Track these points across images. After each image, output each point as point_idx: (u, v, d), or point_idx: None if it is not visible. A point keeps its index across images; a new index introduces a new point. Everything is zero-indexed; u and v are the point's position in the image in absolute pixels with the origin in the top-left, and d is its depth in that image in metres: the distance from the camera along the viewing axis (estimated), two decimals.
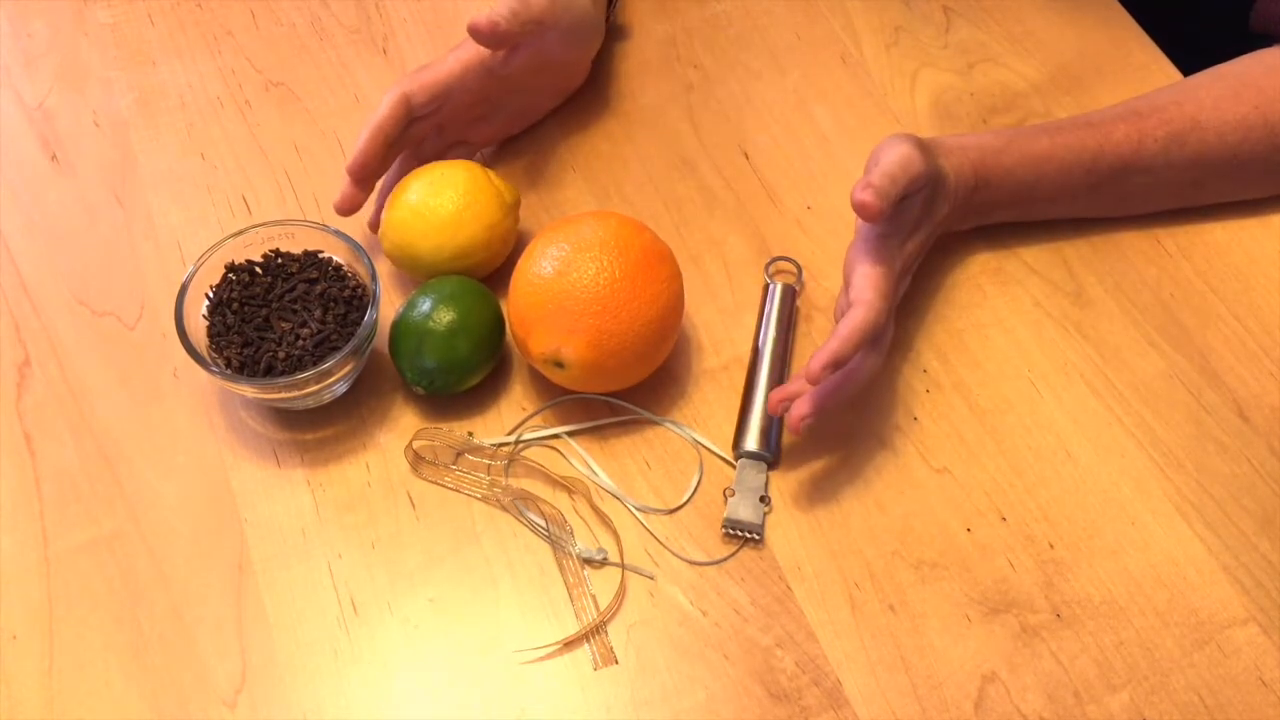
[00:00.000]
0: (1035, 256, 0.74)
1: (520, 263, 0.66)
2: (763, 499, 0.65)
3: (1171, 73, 0.81)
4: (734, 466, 0.66)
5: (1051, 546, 0.64)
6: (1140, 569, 0.63)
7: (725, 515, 0.64)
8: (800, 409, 0.61)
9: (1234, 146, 0.69)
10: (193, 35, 0.85)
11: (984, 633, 0.62)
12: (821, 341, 0.71)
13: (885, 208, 0.60)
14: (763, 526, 0.64)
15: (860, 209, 0.59)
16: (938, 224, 0.68)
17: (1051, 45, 0.84)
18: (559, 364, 0.64)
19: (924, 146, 0.64)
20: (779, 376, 0.68)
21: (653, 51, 0.84)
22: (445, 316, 0.65)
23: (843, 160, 0.78)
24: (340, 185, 0.70)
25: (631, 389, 0.68)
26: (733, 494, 0.65)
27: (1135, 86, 0.74)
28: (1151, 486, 0.66)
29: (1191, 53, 0.77)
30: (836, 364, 0.59)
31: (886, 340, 0.64)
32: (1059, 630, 0.62)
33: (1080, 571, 0.63)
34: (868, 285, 0.61)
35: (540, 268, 0.64)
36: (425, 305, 0.66)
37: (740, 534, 0.64)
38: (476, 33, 0.65)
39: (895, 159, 0.62)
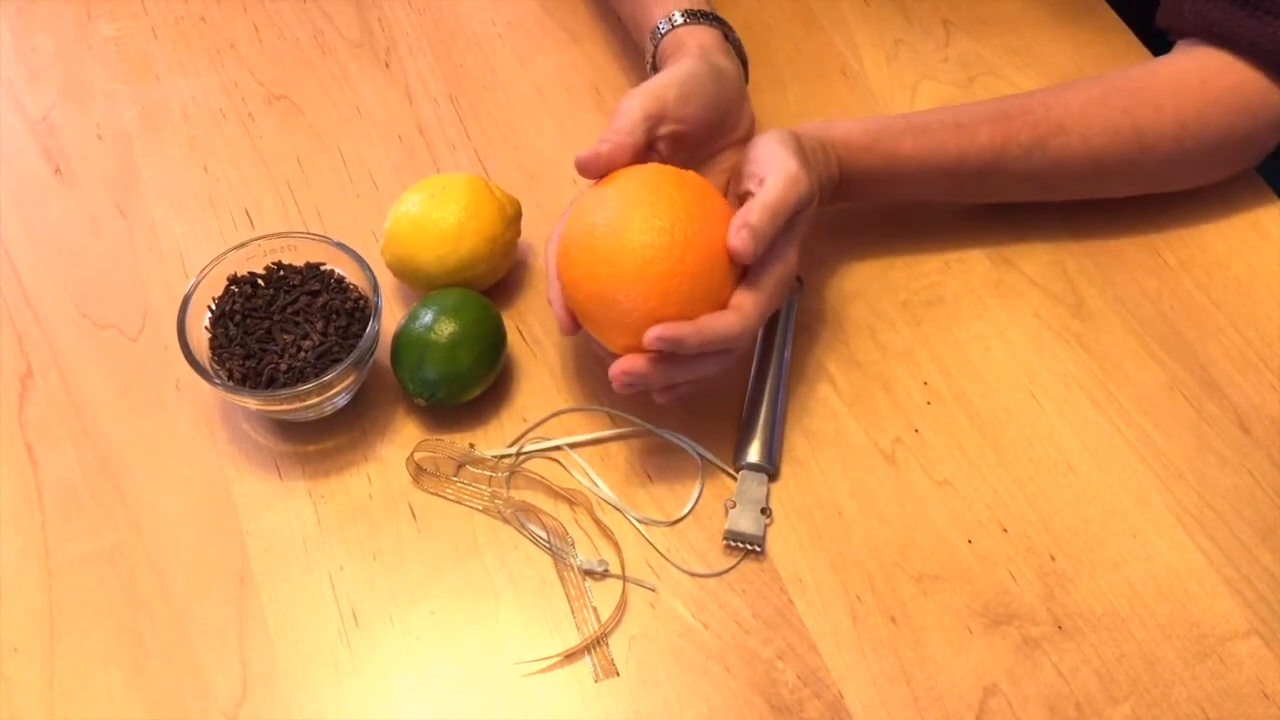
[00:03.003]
0: (1035, 269, 0.74)
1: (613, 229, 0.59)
2: (764, 511, 0.65)
3: None
4: (735, 478, 0.66)
5: (1053, 558, 0.64)
6: (1142, 581, 0.63)
7: (726, 527, 0.64)
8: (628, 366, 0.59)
9: (1097, 150, 0.69)
10: (196, 49, 0.85)
11: (985, 645, 0.61)
12: (821, 353, 0.71)
13: (761, 251, 0.59)
14: (764, 538, 0.64)
15: (736, 256, 0.58)
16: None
17: (1051, 58, 0.84)
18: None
19: (803, 155, 0.62)
20: (780, 387, 0.68)
21: None
22: (447, 328, 0.65)
23: None
24: (341, 199, 0.69)
25: (632, 401, 0.68)
26: (734, 506, 0.65)
27: None
28: (1153, 498, 0.66)
29: None
30: (673, 343, 0.57)
31: (737, 347, 0.62)
32: (1061, 642, 0.61)
33: (1082, 583, 0.63)
34: (746, 299, 0.60)
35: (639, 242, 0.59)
36: (427, 317, 0.66)
37: (741, 546, 0.64)
38: (581, 168, 0.61)
39: (779, 185, 0.59)
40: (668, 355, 0.59)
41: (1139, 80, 0.70)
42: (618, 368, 0.60)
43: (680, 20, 0.70)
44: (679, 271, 0.58)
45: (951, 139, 0.68)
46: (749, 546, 0.64)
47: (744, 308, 0.60)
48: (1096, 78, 0.71)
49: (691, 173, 0.63)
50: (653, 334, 0.58)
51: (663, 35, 0.71)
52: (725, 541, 0.64)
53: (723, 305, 0.60)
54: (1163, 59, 0.72)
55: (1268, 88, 0.69)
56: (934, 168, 0.68)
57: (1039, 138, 0.68)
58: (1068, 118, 0.69)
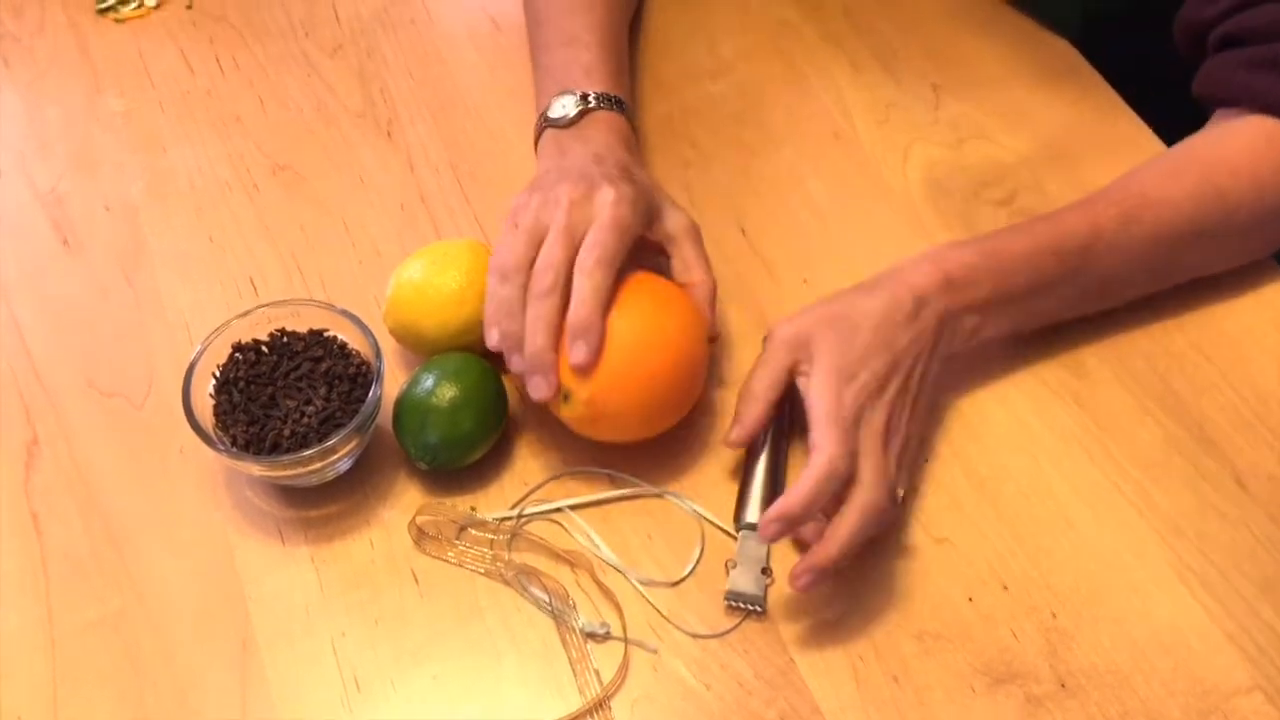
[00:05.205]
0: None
1: None
2: (765, 571, 0.65)
3: (1157, 146, 0.82)
4: (735, 538, 0.67)
5: (1054, 615, 0.64)
6: (1144, 637, 0.63)
7: (727, 587, 0.65)
8: (798, 570, 0.62)
9: (1190, 216, 0.70)
10: (202, 121, 0.87)
11: (989, 704, 0.61)
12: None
13: (756, 434, 0.66)
14: (765, 598, 0.64)
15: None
16: (918, 353, 0.66)
17: (1040, 120, 0.85)
18: (565, 396, 0.64)
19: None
20: (778, 448, 0.69)
21: (651, 130, 0.85)
22: (448, 392, 0.66)
23: (838, 233, 0.80)
24: (344, 267, 0.70)
25: (632, 462, 0.68)
26: (734, 566, 0.65)
27: (1122, 159, 0.75)
28: (1152, 554, 0.66)
29: (1175, 128, 0.78)
30: (788, 519, 0.60)
31: (877, 477, 0.62)
32: (1064, 700, 0.61)
33: (1084, 640, 0.63)
34: (821, 431, 0.62)
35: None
36: (429, 382, 0.67)
37: (743, 606, 0.64)
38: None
39: (761, 378, 0.66)
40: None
41: (1205, 150, 0.72)
42: (799, 568, 0.62)
43: (594, 104, 0.73)
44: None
45: (1044, 226, 0.69)
46: (750, 607, 0.64)
47: (821, 440, 0.62)
48: (1160, 156, 0.72)
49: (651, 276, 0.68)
50: (764, 520, 0.61)
51: (573, 120, 0.73)
52: (726, 602, 0.64)
53: (696, 388, 0.68)
54: (1216, 129, 0.73)
55: None
56: (1040, 252, 0.68)
57: (1127, 212, 0.69)
58: (1148, 189, 0.70)
